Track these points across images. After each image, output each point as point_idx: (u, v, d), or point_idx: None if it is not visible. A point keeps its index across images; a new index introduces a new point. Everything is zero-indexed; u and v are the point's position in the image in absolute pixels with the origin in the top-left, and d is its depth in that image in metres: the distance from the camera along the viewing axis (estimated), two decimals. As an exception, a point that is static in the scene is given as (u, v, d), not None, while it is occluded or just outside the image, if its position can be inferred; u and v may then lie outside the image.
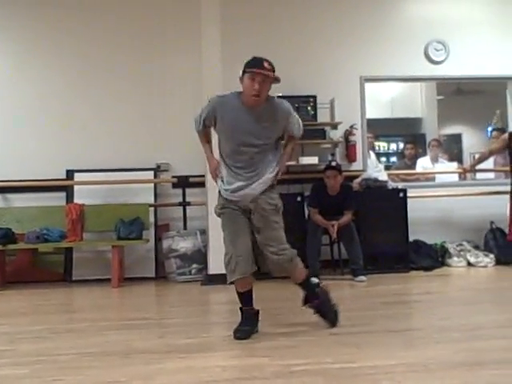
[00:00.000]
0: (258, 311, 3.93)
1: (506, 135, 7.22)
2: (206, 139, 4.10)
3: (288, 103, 3.95)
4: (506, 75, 7.78)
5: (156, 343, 3.67)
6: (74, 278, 6.75)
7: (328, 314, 3.94)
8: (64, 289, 6.39)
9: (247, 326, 3.78)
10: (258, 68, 3.63)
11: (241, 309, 3.90)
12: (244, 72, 3.69)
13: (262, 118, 3.75)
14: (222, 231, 3.87)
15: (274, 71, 3.69)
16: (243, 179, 3.77)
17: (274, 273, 3.92)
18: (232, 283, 3.79)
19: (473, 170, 7.43)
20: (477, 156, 7.78)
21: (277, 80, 3.71)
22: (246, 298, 3.88)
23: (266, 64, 3.67)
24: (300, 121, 4.06)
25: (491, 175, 7.39)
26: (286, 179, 6.05)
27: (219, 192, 3.91)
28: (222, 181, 3.86)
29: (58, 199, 6.93)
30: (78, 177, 7.03)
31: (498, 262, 6.94)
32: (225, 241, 3.80)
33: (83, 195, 6.91)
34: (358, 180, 6.93)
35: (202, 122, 3.96)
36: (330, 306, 3.97)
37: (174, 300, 5.79)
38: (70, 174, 7.04)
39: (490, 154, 7.32)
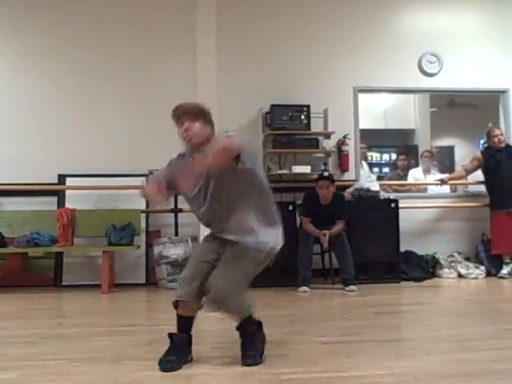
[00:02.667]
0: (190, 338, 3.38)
1: (479, 154, 7.35)
2: None
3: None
4: (499, 89, 7.84)
5: (146, 350, 3.65)
6: (63, 283, 6.73)
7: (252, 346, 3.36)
8: (54, 294, 6.36)
9: (174, 356, 3.23)
10: (177, 112, 3.37)
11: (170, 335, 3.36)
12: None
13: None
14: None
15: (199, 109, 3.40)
16: None
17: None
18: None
19: (446, 183, 7.51)
20: (455, 172, 7.90)
21: (203, 113, 3.40)
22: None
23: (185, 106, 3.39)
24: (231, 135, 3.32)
25: (482, 187, 7.43)
26: (279, 188, 6.07)
27: None
28: None
29: (49, 204, 6.91)
30: (69, 181, 7.02)
31: (489, 274, 6.98)
32: None
33: (75, 200, 6.89)
34: (350, 190, 6.95)
35: None
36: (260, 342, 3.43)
37: (164, 307, 5.73)
38: (61, 178, 7.03)
39: (466, 173, 7.50)
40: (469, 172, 7.47)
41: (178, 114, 3.36)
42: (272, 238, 3.34)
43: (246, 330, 3.36)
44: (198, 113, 3.37)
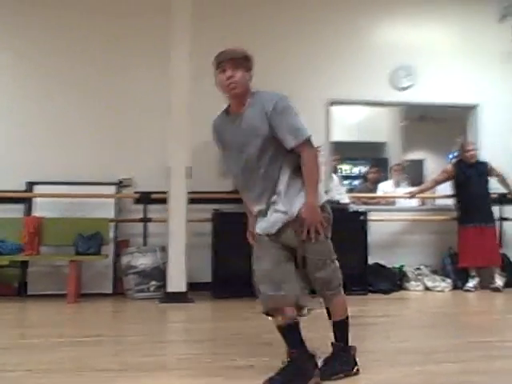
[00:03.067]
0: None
1: (449, 166, 7.44)
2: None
3: (279, 93, 3.31)
4: (469, 104, 7.92)
5: (110, 361, 3.61)
6: (28, 293, 6.60)
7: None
8: (18, 303, 6.24)
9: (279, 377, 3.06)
10: (221, 57, 3.25)
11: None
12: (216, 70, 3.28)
13: (249, 120, 3.21)
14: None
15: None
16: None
17: None
18: None
19: (414, 196, 7.59)
20: (423, 184, 7.97)
21: (247, 60, 3.28)
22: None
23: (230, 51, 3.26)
24: (297, 120, 3.25)
25: (450, 201, 7.52)
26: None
27: None
28: None
29: (15, 211, 6.79)
30: (37, 189, 6.92)
31: (455, 287, 7.04)
32: None
33: (43, 208, 6.79)
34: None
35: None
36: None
37: (130, 317, 5.71)
38: (29, 186, 6.93)
39: (436, 183, 7.58)
40: (438, 183, 7.56)
41: (222, 58, 3.23)
42: None
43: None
44: (242, 59, 3.24)
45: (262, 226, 3.22)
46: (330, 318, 3.44)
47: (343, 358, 3.35)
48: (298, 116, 3.27)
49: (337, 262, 3.35)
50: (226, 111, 3.38)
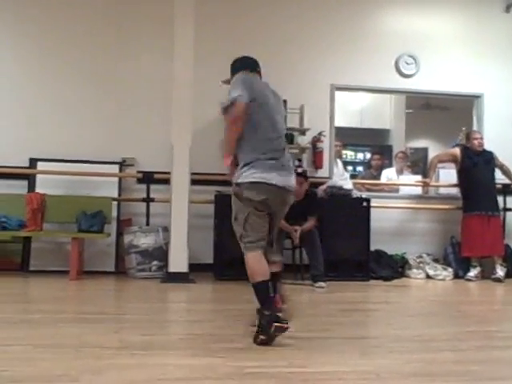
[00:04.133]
0: None
1: (457, 150, 7.39)
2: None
3: None
4: (474, 93, 7.92)
5: (110, 338, 3.62)
6: (31, 269, 6.65)
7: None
8: (20, 279, 6.29)
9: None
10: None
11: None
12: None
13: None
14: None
15: None
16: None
17: None
18: None
19: (431, 179, 7.54)
20: (429, 164, 7.85)
21: None
22: None
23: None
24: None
25: (454, 190, 7.51)
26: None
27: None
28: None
29: (19, 187, 6.81)
30: (41, 166, 6.92)
31: (456, 276, 7.06)
32: None
33: (46, 185, 6.81)
34: (323, 187, 6.97)
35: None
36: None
37: (132, 296, 5.74)
38: (33, 162, 6.93)
39: (439, 161, 7.56)
40: (441, 161, 7.55)
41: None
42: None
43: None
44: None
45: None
46: None
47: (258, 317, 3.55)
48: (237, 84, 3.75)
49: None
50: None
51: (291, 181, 3.79)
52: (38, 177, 6.92)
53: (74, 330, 3.84)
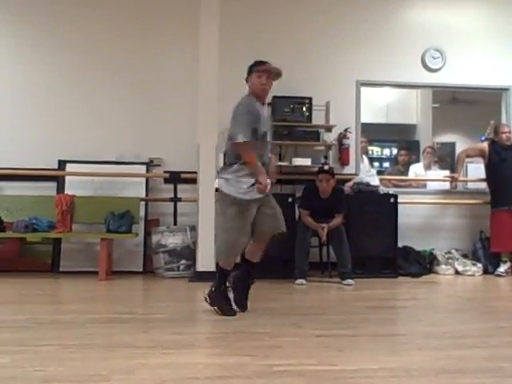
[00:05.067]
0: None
1: (485, 144, 7.30)
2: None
3: None
4: (501, 86, 7.82)
5: (140, 338, 3.66)
6: (61, 269, 6.74)
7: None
8: (51, 279, 6.37)
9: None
10: (262, 65, 4.42)
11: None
12: (250, 72, 4.44)
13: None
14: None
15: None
16: None
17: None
18: None
19: (459, 174, 7.45)
20: (457, 160, 7.68)
21: (279, 75, 4.45)
22: None
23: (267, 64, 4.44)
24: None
25: (483, 185, 7.42)
26: (278, 180, 6.06)
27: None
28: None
29: (48, 189, 6.91)
30: (69, 167, 7.01)
31: (486, 272, 6.99)
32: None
33: (74, 186, 6.90)
34: (350, 184, 6.94)
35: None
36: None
37: (160, 295, 5.78)
38: (61, 164, 7.02)
39: (467, 156, 7.45)
40: (469, 156, 7.47)
41: (264, 67, 4.41)
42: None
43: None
44: (276, 76, 4.46)
45: None
46: None
47: None
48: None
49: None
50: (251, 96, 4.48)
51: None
52: (67, 178, 7.01)
53: (103, 330, 3.88)
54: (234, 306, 4.43)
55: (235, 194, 4.30)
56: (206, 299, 4.43)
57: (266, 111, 4.55)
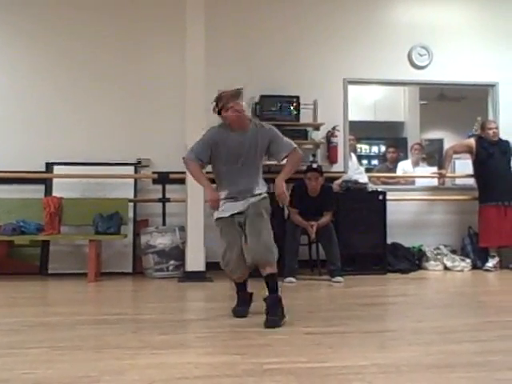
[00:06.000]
0: (251, 294, 4.50)
1: (472, 140, 7.33)
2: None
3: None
4: (488, 82, 7.85)
5: (129, 339, 3.65)
6: (49, 272, 6.70)
7: (275, 314, 4.02)
8: (39, 282, 6.34)
9: (242, 307, 4.38)
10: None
11: (237, 293, 4.47)
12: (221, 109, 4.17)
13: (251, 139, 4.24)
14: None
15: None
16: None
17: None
18: None
19: (447, 171, 7.48)
20: (445, 156, 7.74)
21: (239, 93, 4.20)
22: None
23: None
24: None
25: (471, 181, 7.46)
26: (267, 179, 6.05)
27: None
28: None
29: (36, 192, 6.87)
30: (57, 170, 6.97)
31: (475, 267, 7.02)
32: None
33: (62, 188, 6.86)
34: (339, 181, 6.95)
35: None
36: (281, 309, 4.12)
37: (150, 296, 5.77)
38: (49, 166, 6.99)
39: (454, 152, 7.50)
40: (456, 152, 7.51)
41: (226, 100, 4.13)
42: None
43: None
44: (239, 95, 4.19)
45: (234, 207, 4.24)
46: None
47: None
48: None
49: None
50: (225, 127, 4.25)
51: None
52: (55, 180, 6.97)
53: (93, 331, 3.87)
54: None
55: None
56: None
57: (248, 138, 4.23)
